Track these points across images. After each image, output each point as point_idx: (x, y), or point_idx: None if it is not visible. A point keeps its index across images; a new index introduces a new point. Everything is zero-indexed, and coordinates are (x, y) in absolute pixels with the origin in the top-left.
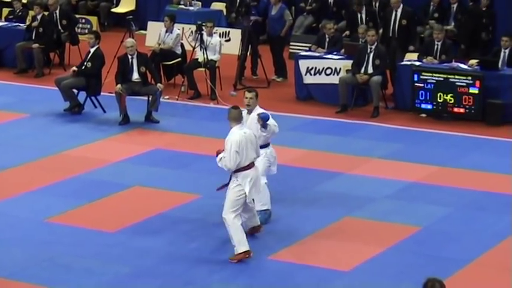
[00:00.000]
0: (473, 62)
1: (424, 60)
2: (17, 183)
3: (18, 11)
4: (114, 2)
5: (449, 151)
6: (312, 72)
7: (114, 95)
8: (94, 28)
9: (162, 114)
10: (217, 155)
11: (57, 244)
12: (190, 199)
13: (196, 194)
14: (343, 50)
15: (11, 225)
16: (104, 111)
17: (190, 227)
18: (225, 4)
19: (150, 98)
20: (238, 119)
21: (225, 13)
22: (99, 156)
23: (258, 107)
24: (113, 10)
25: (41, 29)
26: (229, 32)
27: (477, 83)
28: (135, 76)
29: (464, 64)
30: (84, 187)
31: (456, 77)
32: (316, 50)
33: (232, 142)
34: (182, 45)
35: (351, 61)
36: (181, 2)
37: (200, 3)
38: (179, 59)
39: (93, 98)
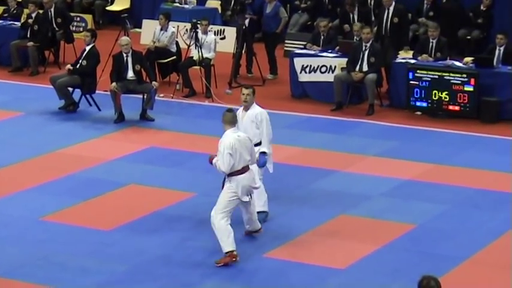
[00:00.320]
0: (468, 59)
1: (419, 58)
2: (12, 182)
3: (12, 9)
4: (109, 0)
5: (445, 149)
6: (307, 70)
7: (109, 93)
8: (89, 26)
9: (157, 112)
10: (211, 162)
11: (52, 242)
12: (185, 197)
13: (191, 192)
14: (338, 48)
15: (5, 223)
16: (99, 110)
17: (186, 225)
18: (220, 2)
19: (145, 96)
20: (233, 122)
21: (220, 11)
22: (94, 154)
23: (255, 104)
24: (108, 8)
25: (35, 27)
26: (224, 30)
27: (472, 81)
28: (130, 74)
29: (459, 62)
30: (79, 185)
31: (451, 74)
32: (311, 48)
33: (225, 144)
34: (177, 43)
35: (346, 59)
36: (176, 0)
37: (195, 1)
38: (174, 57)
39: (88, 96)
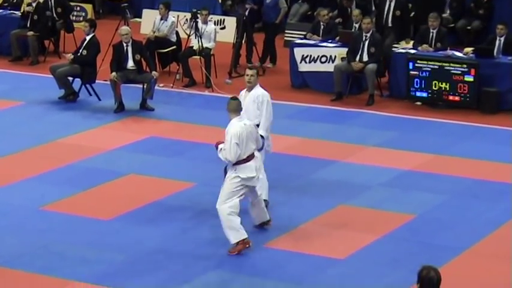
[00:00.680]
0: (468, 50)
1: (419, 48)
2: (12, 171)
3: None
4: None
5: (444, 139)
6: (307, 60)
7: (109, 82)
8: (89, 16)
9: (157, 102)
10: (216, 147)
11: (51, 232)
12: (185, 187)
13: (191, 182)
14: (338, 38)
15: (5, 213)
16: (99, 99)
17: (185, 215)
18: None
19: (145, 86)
20: (238, 110)
21: (220, 1)
22: (94, 144)
23: (258, 85)
24: None
25: (35, 17)
26: (224, 19)
27: (472, 71)
28: (130, 64)
29: (460, 52)
30: (79, 175)
31: (451, 65)
32: (311, 38)
33: (232, 134)
34: (177, 33)
35: (346, 49)
36: None
37: None
38: (174, 46)
39: (88, 85)
